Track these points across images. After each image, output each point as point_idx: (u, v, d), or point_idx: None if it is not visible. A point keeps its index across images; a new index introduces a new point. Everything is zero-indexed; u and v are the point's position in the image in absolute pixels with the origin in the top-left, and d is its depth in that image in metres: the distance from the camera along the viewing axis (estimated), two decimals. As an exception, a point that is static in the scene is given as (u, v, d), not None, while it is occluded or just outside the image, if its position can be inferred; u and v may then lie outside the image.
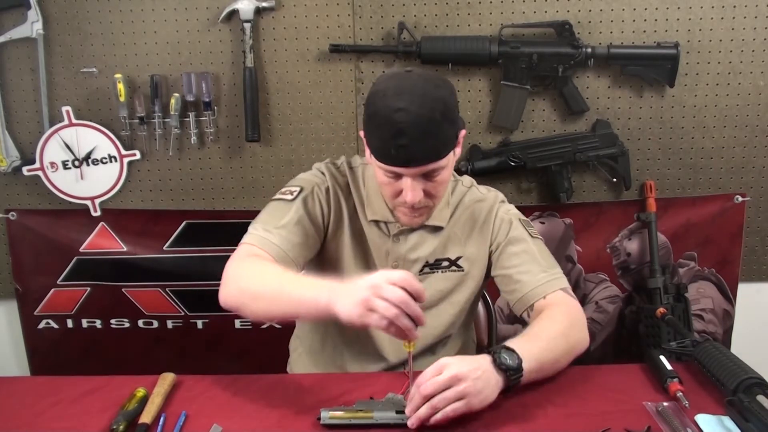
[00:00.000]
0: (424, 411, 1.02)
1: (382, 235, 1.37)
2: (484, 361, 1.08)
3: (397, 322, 1.00)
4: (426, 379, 1.03)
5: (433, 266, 1.38)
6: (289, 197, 1.33)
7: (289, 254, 1.27)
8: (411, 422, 1.04)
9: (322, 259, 1.39)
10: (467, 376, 1.04)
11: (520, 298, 1.32)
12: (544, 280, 1.31)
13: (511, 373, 1.08)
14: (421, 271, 1.38)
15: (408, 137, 1.15)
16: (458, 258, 1.39)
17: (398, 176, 1.23)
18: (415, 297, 1.02)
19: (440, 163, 1.21)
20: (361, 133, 1.27)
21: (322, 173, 1.38)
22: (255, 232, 1.29)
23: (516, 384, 1.10)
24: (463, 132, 1.29)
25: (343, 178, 1.39)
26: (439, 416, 1.03)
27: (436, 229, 1.37)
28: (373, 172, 1.33)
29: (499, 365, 1.08)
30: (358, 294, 1.01)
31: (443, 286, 1.39)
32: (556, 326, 1.22)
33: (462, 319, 1.43)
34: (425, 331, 1.40)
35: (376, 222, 1.37)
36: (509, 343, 1.13)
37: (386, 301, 1.00)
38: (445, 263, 1.39)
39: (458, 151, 1.29)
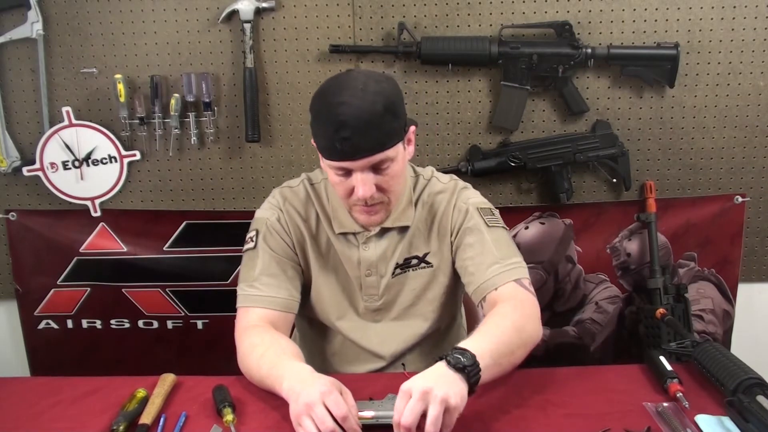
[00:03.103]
0: None
1: (352, 246, 1.38)
2: (439, 366, 1.06)
3: None
4: (401, 412, 1.00)
5: (403, 266, 1.39)
6: (252, 245, 1.37)
7: (279, 295, 1.34)
8: None
9: None
10: (434, 385, 1.01)
11: (474, 291, 1.32)
12: (495, 272, 1.30)
13: (468, 369, 1.05)
14: (393, 273, 1.38)
15: (350, 129, 1.16)
16: (426, 254, 1.39)
17: (348, 173, 1.23)
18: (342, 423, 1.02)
19: (387, 154, 1.21)
20: (312, 142, 1.27)
21: (273, 203, 1.40)
22: (242, 292, 1.35)
23: (476, 381, 1.06)
24: (412, 128, 1.29)
25: (299, 197, 1.40)
26: None
27: (404, 229, 1.38)
28: None
29: (454, 366, 1.05)
30: (296, 407, 1.05)
31: (416, 285, 1.40)
32: (506, 321, 1.20)
33: (440, 313, 1.44)
34: (409, 331, 1.42)
35: (344, 234, 1.37)
36: (461, 344, 1.10)
37: (314, 422, 1.01)
38: (414, 261, 1.39)
39: (411, 149, 1.30)
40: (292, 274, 1.37)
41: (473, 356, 1.07)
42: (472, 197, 1.39)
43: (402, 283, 1.40)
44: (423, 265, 1.39)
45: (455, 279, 1.42)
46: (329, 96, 1.20)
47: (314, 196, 1.40)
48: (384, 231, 1.37)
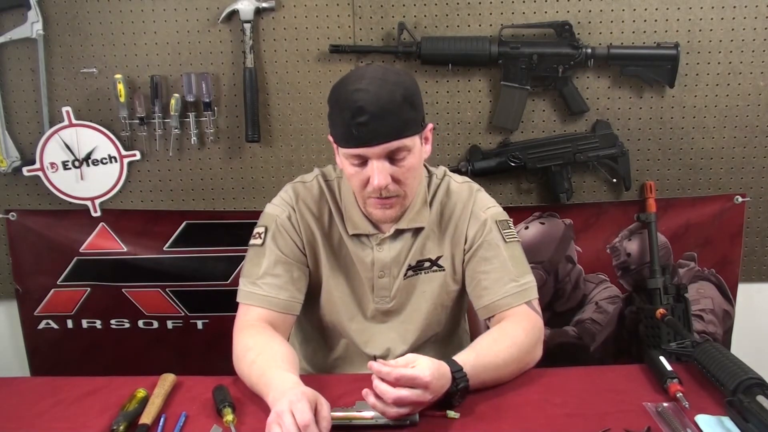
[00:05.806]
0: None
1: (365, 247, 1.36)
2: (446, 376, 1.10)
3: None
4: (401, 377, 1.05)
5: (415, 268, 1.38)
6: (259, 241, 1.35)
7: (281, 296, 1.32)
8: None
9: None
10: (431, 391, 1.06)
11: (485, 306, 1.33)
12: (510, 292, 1.31)
13: (452, 398, 1.11)
14: (405, 275, 1.38)
15: (368, 114, 1.16)
16: (438, 258, 1.38)
17: (364, 162, 1.22)
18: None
19: (404, 143, 1.20)
20: (329, 137, 1.26)
21: (285, 200, 1.38)
22: (244, 288, 1.34)
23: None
24: (430, 126, 1.29)
25: (312, 194, 1.38)
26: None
27: (418, 230, 1.37)
28: (348, 186, 1.33)
29: (453, 389, 1.10)
30: (271, 415, 1.04)
31: (427, 288, 1.39)
32: (513, 351, 1.22)
33: (448, 317, 1.43)
34: (415, 334, 1.41)
35: (357, 235, 1.36)
36: (469, 368, 1.13)
37: (282, 429, 1.00)
38: (427, 264, 1.38)
39: (428, 147, 1.30)
40: (298, 276, 1.35)
41: (465, 390, 1.12)
42: (490, 206, 1.39)
43: (413, 286, 1.39)
44: (435, 268, 1.38)
45: (464, 285, 1.41)
46: (348, 84, 1.20)
47: (328, 192, 1.38)
48: (398, 233, 1.35)
